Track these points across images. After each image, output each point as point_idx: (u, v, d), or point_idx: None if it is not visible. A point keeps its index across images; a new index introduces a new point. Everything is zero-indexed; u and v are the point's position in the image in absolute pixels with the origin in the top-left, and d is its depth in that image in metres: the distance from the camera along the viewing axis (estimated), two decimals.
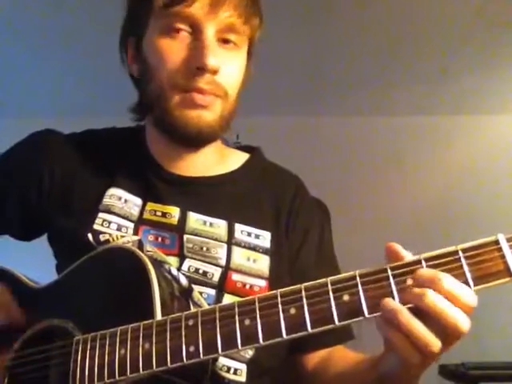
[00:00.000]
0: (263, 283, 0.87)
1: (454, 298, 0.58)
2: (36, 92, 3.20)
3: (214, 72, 0.84)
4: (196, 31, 0.85)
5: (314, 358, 0.93)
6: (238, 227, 0.91)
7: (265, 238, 0.91)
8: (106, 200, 0.90)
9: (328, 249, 1.00)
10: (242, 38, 0.89)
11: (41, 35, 2.68)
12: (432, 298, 0.58)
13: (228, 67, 0.87)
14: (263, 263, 0.89)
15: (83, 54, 2.80)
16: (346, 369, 0.86)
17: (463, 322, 0.59)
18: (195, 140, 0.88)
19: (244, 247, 0.89)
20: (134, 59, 0.93)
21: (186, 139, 0.89)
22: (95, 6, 2.41)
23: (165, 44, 0.86)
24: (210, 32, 0.84)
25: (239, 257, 0.88)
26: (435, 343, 0.59)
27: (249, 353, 0.83)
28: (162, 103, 0.86)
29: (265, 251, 0.90)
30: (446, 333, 0.59)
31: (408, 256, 0.62)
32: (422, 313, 0.59)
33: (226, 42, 0.87)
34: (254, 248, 0.90)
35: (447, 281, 0.59)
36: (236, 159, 1.01)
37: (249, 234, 0.91)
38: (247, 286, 0.86)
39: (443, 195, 3.31)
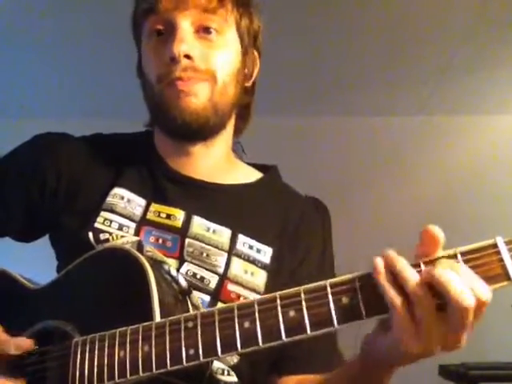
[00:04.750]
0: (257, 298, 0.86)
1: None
2: (36, 92, 3.20)
3: (187, 57, 0.86)
4: (172, 27, 0.87)
5: (290, 382, 0.89)
6: (241, 238, 0.90)
7: (265, 254, 0.91)
8: (109, 199, 0.90)
9: (328, 266, 0.98)
10: (222, 23, 0.89)
11: (41, 36, 2.67)
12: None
13: (210, 52, 0.88)
14: (260, 278, 0.88)
15: (84, 55, 2.80)
16: None
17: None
18: (184, 130, 0.89)
19: (243, 259, 0.89)
20: (139, 73, 0.96)
21: (177, 131, 0.90)
22: (95, 7, 2.42)
23: (149, 48, 0.90)
24: (183, 24, 0.87)
25: (237, 268, 0.88)
26: (429, 301, 0.58)
27: (234, 360, 0.83)
28: (153, 100, 0.90)
29: (263, 266, 0.90)
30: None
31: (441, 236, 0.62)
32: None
33: (206, 31, 0.88)
34: (253, 261, 0.89)
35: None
36: (249, 173, 1.01)
37: (250, 247, 0.90)
38: (241, 298, 0.85)
39: (443, 195, 3.31)
